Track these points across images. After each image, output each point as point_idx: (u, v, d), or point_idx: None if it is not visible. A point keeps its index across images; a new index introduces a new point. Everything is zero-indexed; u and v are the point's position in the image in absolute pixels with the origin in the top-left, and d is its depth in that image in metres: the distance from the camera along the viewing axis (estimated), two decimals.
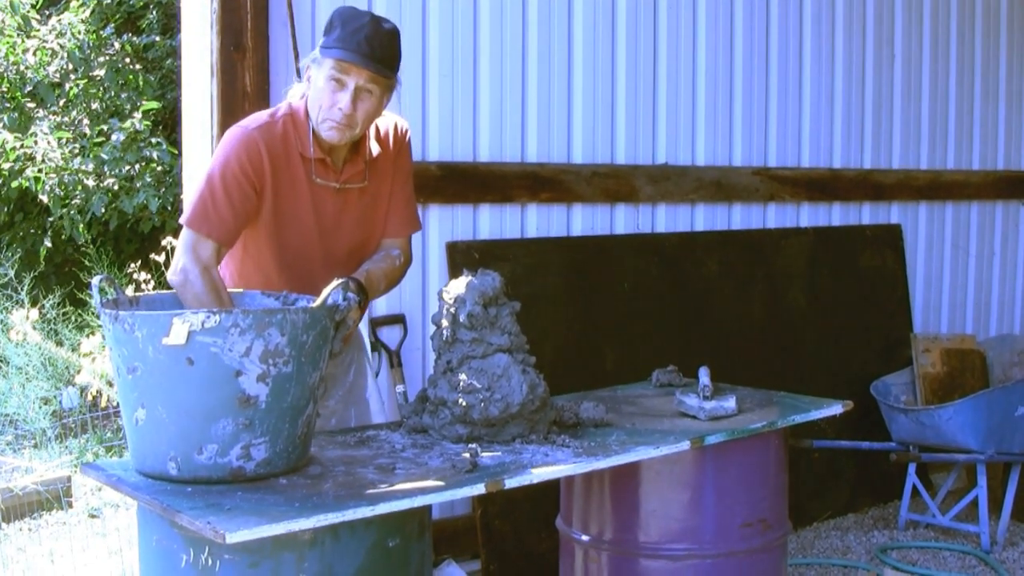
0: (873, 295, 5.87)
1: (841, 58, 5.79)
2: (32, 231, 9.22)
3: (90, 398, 6.54)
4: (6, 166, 8.17)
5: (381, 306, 4.46)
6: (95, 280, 2.70)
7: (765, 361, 5.30)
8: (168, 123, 8.90)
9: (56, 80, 8.68)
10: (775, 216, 5.60)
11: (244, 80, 4.04)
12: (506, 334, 3.00)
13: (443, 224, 4.58)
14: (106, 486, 2.70)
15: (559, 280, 4.78)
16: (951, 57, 6.25)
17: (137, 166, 8.16)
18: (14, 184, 8.28)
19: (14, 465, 6.04)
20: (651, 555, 3.22)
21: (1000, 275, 6.59)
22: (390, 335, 4.49)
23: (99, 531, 5.35)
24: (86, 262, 8.05)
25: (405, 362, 4.49)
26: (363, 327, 3.75)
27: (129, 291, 3.15)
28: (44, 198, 8.18)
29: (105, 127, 8.28)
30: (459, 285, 3.03)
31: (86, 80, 8.64)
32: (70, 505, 5.74)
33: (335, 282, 2.78)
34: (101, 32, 8.85)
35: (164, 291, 3.07)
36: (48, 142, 8.05)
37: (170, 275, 3.03)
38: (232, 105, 3.96)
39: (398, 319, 4.49)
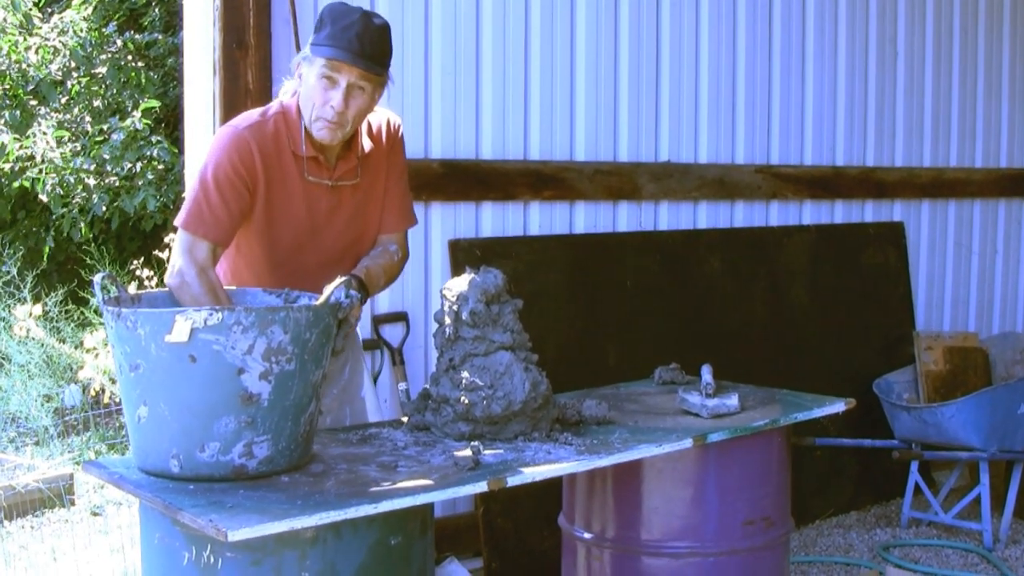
0: (876, 293, 5.86)
1: (844, 55, 5.78)
2: (34, 229, 9.23)
3: (92, 394, 6.54)
4: (6, 166, 8.17)
5: (384, 304, 4.46)
6: (97, 278, 2.70)
7: (767, 359, 5.30)
8: (170, 121, 8.91)
9: (58, 78, 8.69)
10: (778, 214, 5.59)
11: (246, 78, 4.04)
12: (508, 332, 3.00)
13: (445, 222, 4.58)
14: (108, 484, 2.70)
15: (561, 278, 4.78)
16: (954, 54, 6.24)
17: (138, 164, 8.16)
18: (15, 184, 8.29)
19: (16, 463, 6.04)
20: (653, 553, 3.22)
21: (1003, 273, 6.59)
22: (392, 333, 4.49)
23: (101, 529, 5.35)
24: (88, 260, 8.05)
25: (407, 360, 4.49)
26: (359, 324, 3.74)
27: (132, 288, 3.16)
28: (44, 198, 8.18)
29: (105, 126, 8.28)
30: (461, 283, 3.02)
31: (88, 78, 8.64)
32: (72, 503, 5.75)
33: (338, 280, 2.78)
34: (103, 30, 8.85)
35: (166, 289, 3.06)
36: (47, 142, 8.05)
37: (167, 277, 3.02)
38: (234, 103, 3.95)
39: (400, 317, 4.49)
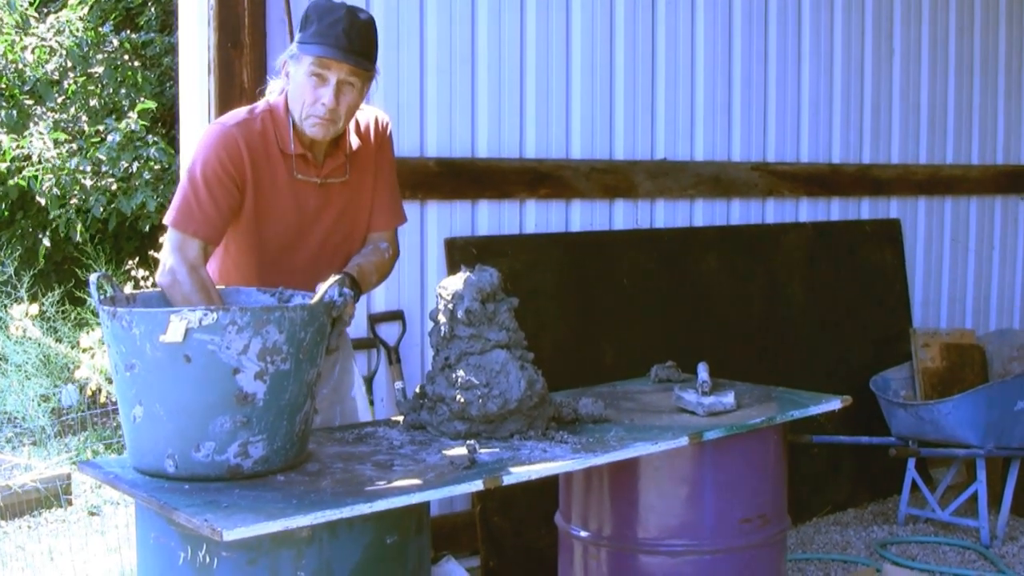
0: (872, 290, 5.86)
1: (840, 53, 5.78)
2: (31, 229, 9.22)
3: (89, 394, 6.54)
4: (3, 166, 8.16)
5: (380, 302, 4.45)
6: (93, 277, 2.70)
7: (764, 356, 5.30)
8: (166, 121, 8.90)
9: (55, 78, 8.68)
10: (774, 211, 5.59)
11: (241, 77, 4.03)
12: (504, 330, 3.00)
13: (441, 220, 4.57)
14: (104, 484, 2.70)
15: (558, 276, 4.77)
16: (950, 52, 6.24)
17: (135, 164, 8.15)
18: (11, 183, 8.28)
19: (13, 463, 6.04)
20: (650, 551, 3.22)
21: (999, 269, 6.59)
22: (389, 331, 4.48)
23: (98, 529, 5.35)
24: (85, 260, 8.05)
25: (404, 358, 4.49)
26: (350, 324, 3.73)
27: (128, 288, 3.15)
28: (41, 200, 8.17)
29: (101, 127, 8.27)
30: (457, 281, 3.02)
31: (84, 77, 8.63)
32: (69, 503, 5.74)
33: (331, 278, 2.77)
34: (99, 29, 8.84)
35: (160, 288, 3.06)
36: (44, 142, 8.04)
37: (158, 276, 3.01)
38: (229, 102, 3.94)
39: (396, 315, 4.49)
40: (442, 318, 3.01)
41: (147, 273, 7.57)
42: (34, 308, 6.76)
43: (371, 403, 4.27)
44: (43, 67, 8.56)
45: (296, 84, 3.01)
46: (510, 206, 4.75)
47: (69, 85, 8.64)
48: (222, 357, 2.49)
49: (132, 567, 4.57)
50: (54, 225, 8.49)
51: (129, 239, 9.36)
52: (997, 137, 6.51)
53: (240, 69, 4.03)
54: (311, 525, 2.35)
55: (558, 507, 3.49)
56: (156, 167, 8.20)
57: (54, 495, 5.64)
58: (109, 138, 8.08)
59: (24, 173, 8.09)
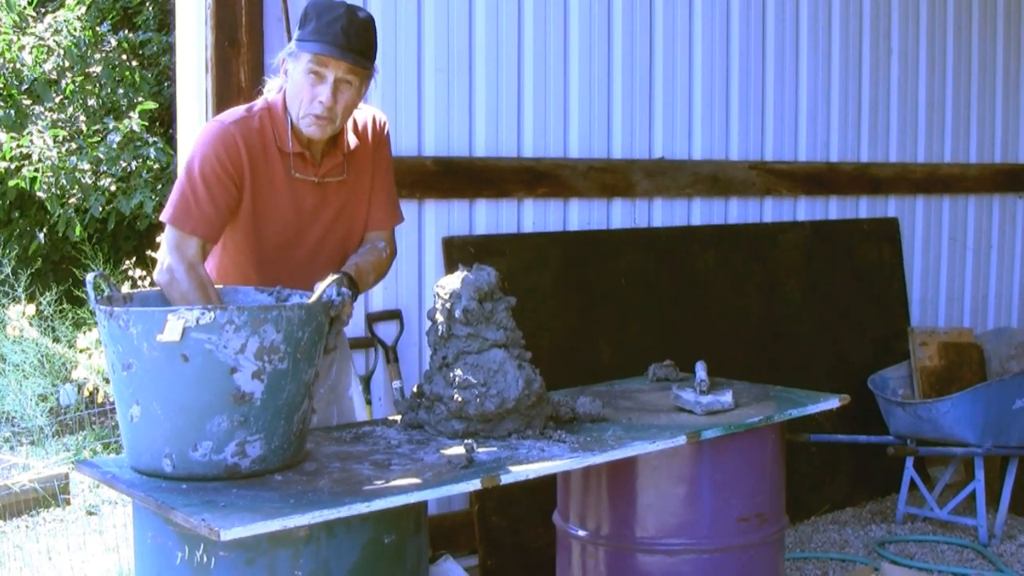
0: (870, 289, 5.86)
1: (837, 52, 5.78)
2: (29, 229, 9.22)
3: (87, 394, 6.54)
4: (2, 165, 8.15)
5: (377, 301, 4.45)
6: (89, 277, 2.69)
7: (762, 356, 5.30)
8: (164, 120, 8.90)
9: (53, 77, 8.67)
10: (772, 210, 5.59)
11: (239, 76, 4.03)
12: (502, 329, 2.99)
13: (439, 219, 4.57)
14: (101, 483, 2.69)
15: (555, 275, 4.77)
16: (948, 50, 6.25)
17: (134, 163, 8.15)
18: (11, 183, 8.28)
19: (11, 462, 6.03)
20: (648, 550, 3.22)
21: (997, 268, 6.59)
22: (386, 331, 4.48)
23: (96, 528, 5.35)
24: (83, 259, 8.04)
25: (401, 358, 4.49)
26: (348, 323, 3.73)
27: (125, 288, 3.15)
28: (42, 195, 8.17)
29: (100, 127, 8.27)
30: (454, 280, 3.02)
31: (82, 77, 8.63)
32: (67, 502, 5.74)
33: (330, 278, 2.77)
34: (97, 29, 8.84)
35: (158, 288, 3.05)
36: (44, 140, 8.04)
37: (156, 274, 3.00)
38: (227, 101, 3.94)
39: (394, 315, 4.48)
40: (440, 317, 3.01)
41: (144, 273, 7.57)
42: (31, 309, 6.75)
43: (368, 402, 4.27)
44: (41, 67, 8.55)
45: (294, 82, 3.01)
46: (508, 205, 4.75)
47: (67, 85, 8.64)
48: (219, 356, 2.49)
49: (130, 567, 4.57)
50: (52, 223, 8.49)
51: (127, 239, 9.35)
52: (995, 136, 6.51)
53: (237, 68, 4.03)
54: (309, 525, 2.35)
55: (556, 506, 3.48)
56: (155, 167, 8.19)
57: (52, 495, 5.64)
58: (109, 137, 8.08)
59: (23, 172, 8.08)
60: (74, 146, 8.25)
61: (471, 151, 4.65)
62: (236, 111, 3.11)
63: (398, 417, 3.15)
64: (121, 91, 8.73)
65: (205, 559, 2.39)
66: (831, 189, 5.79)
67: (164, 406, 2.53)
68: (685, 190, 5.23)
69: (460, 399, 2.92)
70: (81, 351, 6.20)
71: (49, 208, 8.21)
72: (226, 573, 2.39)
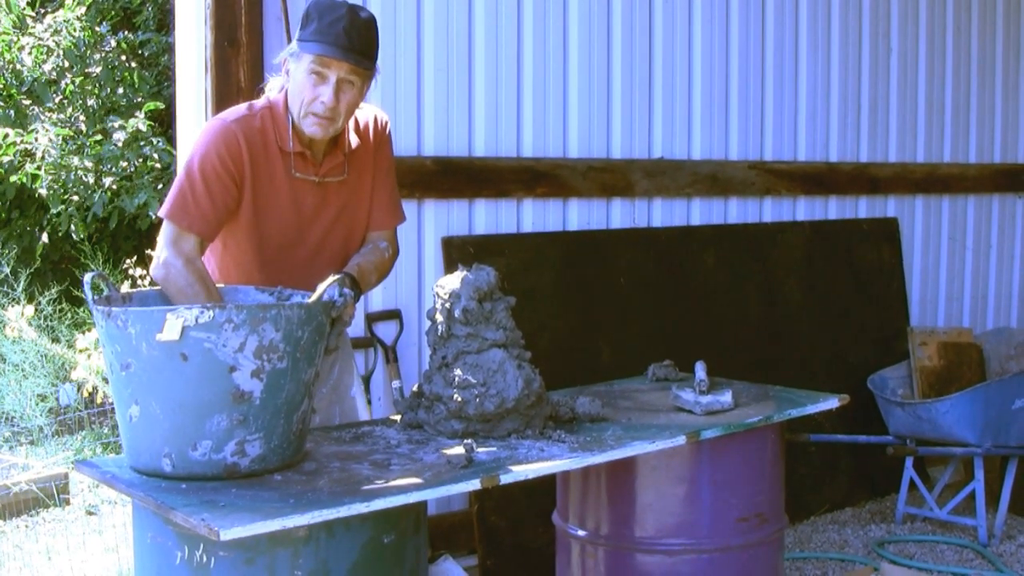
0: (869, 289, 5.87)
1: (837, 51, 5.78)
2: (28, 228, 9.22)
3: (86, 394, 6.54)
4: (5, 160, 8.15)
5: (377, 301, 4.45)
6: (87, 277, 2.69)
7: (761, 355, 5.30)
8: (164, 120, 8.90)
9: (52, 78, 8.67)
10: (771, 210, 5.59)
11: (238, 75, 4.03)
12: (501, 329, 2.99)
13: (439, 219, 4.57)
14: (101, 483, 2.69)
15: (555, 275, 4.77)
16: (947, 50, 6.25)
17: (136, 163, 8.15)
18: (12, 179, 8.28)
19: (11, 462, 6.04)
20: (647, 550, 3.22)
21: (997, 268, 6.59)
22: (386, 330, 4.48)
23: (96, 528, 5.35)
24: (82, 259, 8.04)
25: (401, 357, 4.49)
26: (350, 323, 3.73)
27: (125, 287, 3.14)
28: (43, 191, 8.16)
29: (107, 126, 8.27)
30: (454, 280, 3.02)
31: (82, 77, 8.63)
32: (67, 502, 5.74)
33: (331, 278, 2.77)
34: (96, 29, 8.84)
35: (157, 287, 3.05)
36: (49, 138, 8.03)
37: (152, 269, 2.99)
38: (226, 101, 3.94)
39: (394, 314, 4.48)
40: (439, 317, 3.01)
41: (144, 272, 7.56)
42: (30, 309, 6.75)
43: (368, 402, 4.27)
44: (40, 67, 8.55)
45: (296, 82, 3.01)
46: (507, 205, 4.75)
47: (67, 85, 8.64)
48: (218, 355, 2.49)
49: (130, 566, 4.57)
50: (53, 222, 8.49)
51: (127, 238, 9.35)
52: (995, 136, 6.51)
53: (237, 68, 4.03)
54: (308, 524, 2.35)
55: (555, 506, 3.48)
56: (157, 166, 8.20)
57: (51, 495, 5.63)
58: (115, 136, 8.08)
59: (26, 169, 8.08)
60: (74, 146, 8.25)
61: (470, 151, 4.65)
62: (238, 109, 3.11)
63: (397, 417, 3.15)
64: (121, 91, 8.73)
65: (205, 559, 2.39)
66: (831, 189, 5.79)
67: (163, 405, 2.52)
68: (684, 190, 5.23)
69: (460, 399, 2.92)
70: (80, 351, 6.19)
71: (50, 206, 8.21)
72: (226, 573, 2.39)
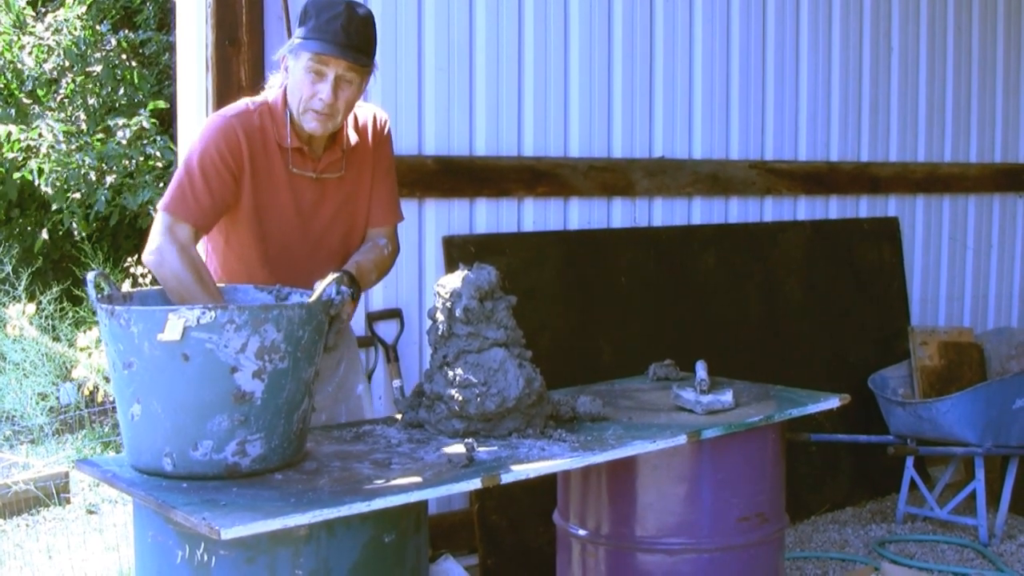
0: (870, 288, 5.86)
1: (838, 51, 5.78)
2: (29, 228, 9.22)
3: (87, 393, 6.54)
4: (9, 156, 8.15)
5: (377, 300, 4.45)
6: (90, 275, 2.69)
7: (762, 355, 5.30)
8: (165, 119, 8.91)
9: (53, 77, 8.68)
10: (772, 209, 5.59)
11: (239, 74, 4.03)
12: (502, 328, 2.99)
13: (439, 218, 4.57)
14: (102, 482, 2.69)
15: (556, 274, 4.77)
16: (948, 49, 6.24)
17: (138, 160, 8.15)
18: (15, 175, 8.28)
19: (11, 461, 6.04)
20: (648, 549, 3.22)
21: (997, 268, 6.59)
22: (387, 329, 4.48)
23: (97, 527, 5.35)
24: (83, 258, 8.04)
25: (402, 356, 4.49)
26: (352, 322, 3.74)
27: (126, 286, 3.14)
28: (48, 189, 8.16)
29: (111, 124, 8.27)
30: (455, 279, 3.02)
31: (83, 76, 8.63)
32: (68, 501, 5.74)
33: (330, 276, 2.77)
34: (97, 28, 8.84)
35: (157, 286, 3.05)
36: (53, 134, 8.03)
37: (145, 255, 2.99)
38: (227, 99, 3.92)
39: (395, 313, 4.48)
40: (440, 316, 3.01)
41: (145, 271, 7.56)
42: (31, 308, 6.75)
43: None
44: (41, 66, 8.56)
45: (294, 79, 3.02)
46: (508, 204, 4.75)
47: (67, 84, 8.64)
48: (220, 356, 2.49)
49: (130, 565, 4.57)
50: (55, 220, 8.50)
51: (128, 237, 9.36)
52: (995, 135, 6.51)
53: (238, 67, 4.03)
54: (309, 524, 2.35)
55: (556, 505, 3.48)
56: (159, 165, 8.20)
57: (52, 494, 5.64)
58: (119, 134, 8.08)
59: (29, 165, 8.08)
60: (76, 144, 8.26)
61: (471, 150, 4.65)
62: (238, 105, 3.12)
63: (398, 416, 3.15)
64: (121, 91, 8.74)
65: (205, 558, 2.39)
66: (831, 188, 5.79)
67: (165, 405, 2.53)
68: (685, 189, 5.23)
69: (460, 398, 2.92)
70: (81, 350, 6.20)
71: (53, 202, 8.21)
72: (226, 572, 2.39)
